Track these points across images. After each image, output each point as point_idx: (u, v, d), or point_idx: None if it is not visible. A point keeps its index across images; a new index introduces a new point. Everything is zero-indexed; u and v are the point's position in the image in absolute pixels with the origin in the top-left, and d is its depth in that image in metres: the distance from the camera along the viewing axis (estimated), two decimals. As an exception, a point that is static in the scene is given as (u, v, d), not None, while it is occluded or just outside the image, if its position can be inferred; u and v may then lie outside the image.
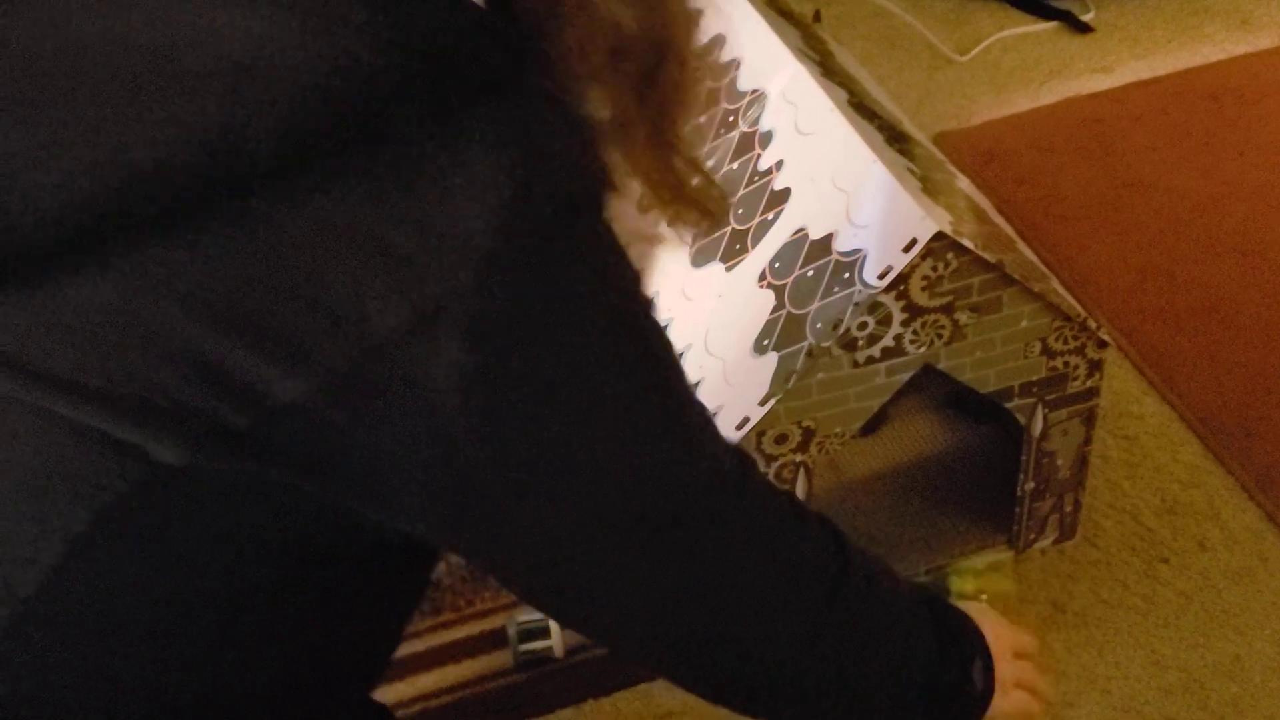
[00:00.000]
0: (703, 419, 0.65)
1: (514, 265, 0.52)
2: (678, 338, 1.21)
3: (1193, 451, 1.43)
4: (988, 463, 1.36)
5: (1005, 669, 0.83)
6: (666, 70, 0.60)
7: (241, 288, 0.50)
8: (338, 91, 0.50)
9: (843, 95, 1.26)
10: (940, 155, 1.38)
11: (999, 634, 0.84)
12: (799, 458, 1.16)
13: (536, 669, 1.28)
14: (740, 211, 1.23)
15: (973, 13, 2.15)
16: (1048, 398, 1.22)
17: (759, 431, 1.13)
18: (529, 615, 1.29)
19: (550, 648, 1.27)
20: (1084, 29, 2.09)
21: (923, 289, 1.10)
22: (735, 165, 1.26)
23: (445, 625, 1.31)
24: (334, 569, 0.62)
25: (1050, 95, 1.96)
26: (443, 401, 0.52)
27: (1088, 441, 1.27)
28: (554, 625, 1.28)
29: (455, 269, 0.51)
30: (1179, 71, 1.97)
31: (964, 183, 1.33)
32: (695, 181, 0.66)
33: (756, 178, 1.23)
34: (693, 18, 0.61)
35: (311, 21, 0.50)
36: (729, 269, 1.21)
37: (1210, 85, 1.92)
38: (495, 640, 1.30)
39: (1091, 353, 1.20)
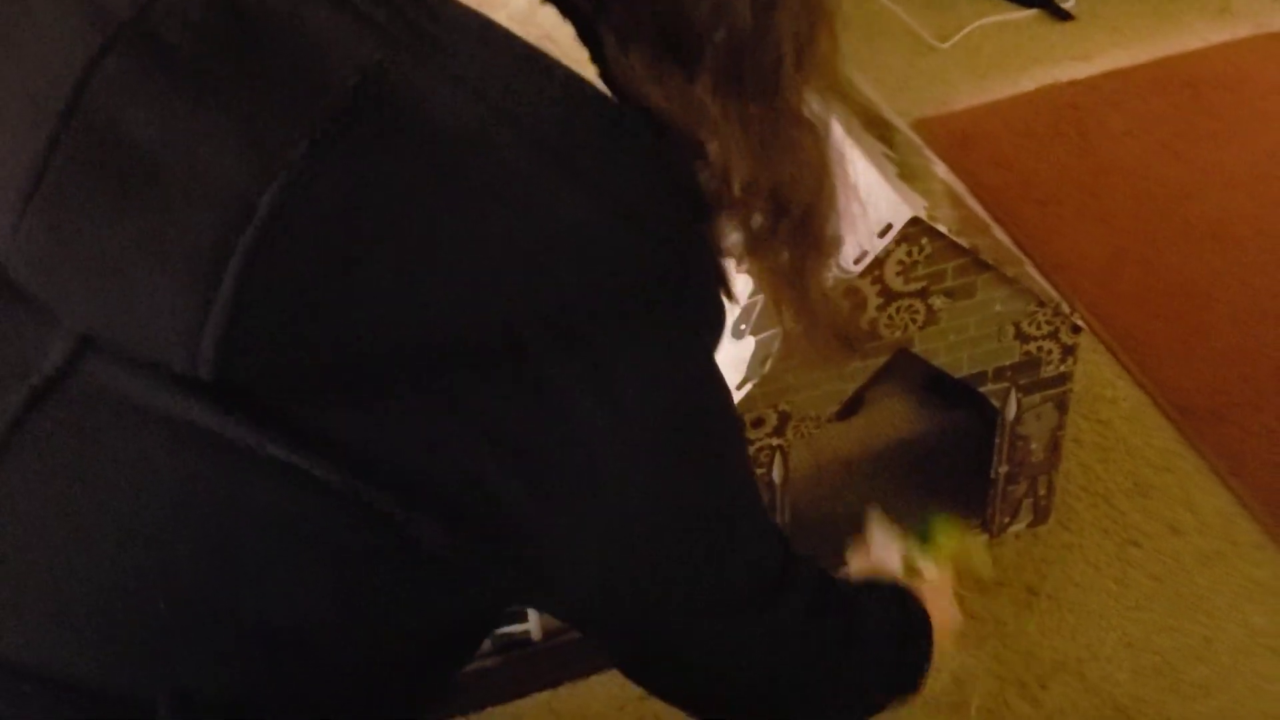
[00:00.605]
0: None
1: (692, 408, 0.66)
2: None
3: (1165, 436, 1.44)
4: (962, 446, 1.37)
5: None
6: (814, 221, 0.72)
7: (509, 421, 0.59)
8: (621, 270, 0.59)
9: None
10: (919, 141, 1.39)
11: (941, 620, 0.96)
12: (775, 441, 1.17)
13: (513, 652, 1.29)
14: (718, 196, 1.23)
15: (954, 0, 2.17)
16: (1021, 382, 1.23)
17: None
18: (507, 597, 1.30)
19: (527, 631, 1.28)
20: (1065, 16, 2.10)
21: (898, 274, 1.11)
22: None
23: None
24: (443, 643, 0.71)
25: (1030, 82, 1.97)
26: (627, 509, 0.64)
27: (1061, 426, 1.28)
28: (531, 608, 1.29)
29: (662, 418, 0.63)
30: (1158, 59, 1.98)
31: (941, 168, 1.34)
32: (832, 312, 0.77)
33: (734, 163, 1.24)
34: (833, 170, 0.74)
35: (615, 208, 0.58)
36: (706, 253, 1.22)
37: (1188, 73, 1.93)
38: (473, 622, 1.31)
39: (1065, 337, 1.21)
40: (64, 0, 0.55)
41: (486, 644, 1.29)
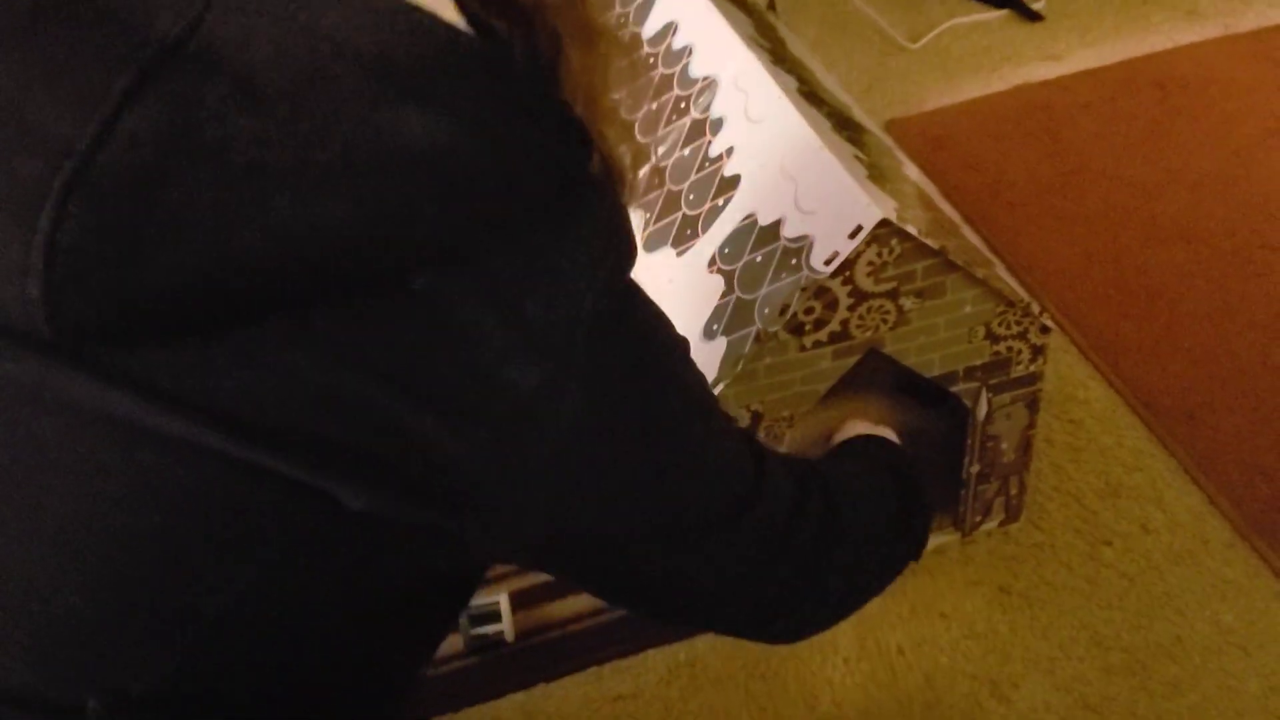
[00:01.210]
0: (730, 423, 0.82)
1: (611, 325, 0.64)
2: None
3: (1136, 435, 1.45)
4: (934, 446, 1.37)
5: None
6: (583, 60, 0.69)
7: (412, 357, 0.58)
8: (488, 188, 0.58)
9: (792, 83, 1.26)
10: (889, 142, 1.39)
11: None
12: (747, 442, 1.17)
13: (487, 653, 1.28)
14: (691, 197, 1.24)
15: (924, 0, 2.17)
16: (991, 382, 1.23)
17: (707, 416, 1.13)
18: (480, 600, 1.29)
19: (501, 632, 1.28)
20: (1034, 17, 2.11)
21: (868, 274, 1.11)
22: (686, 151, 1.27)
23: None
24: (419, 595, 0.70)
25: (1000, 83, 1.98)
26: (566, 441, 0.63)
27: (1032, 426, 1.28)
28: (505, 609, 1.28)
29: (573, 332, 0.61)
30: (1127, 60, 1.99)
31: (912, 169, 1.34)
32: (623, 149, 0.73)
33: (707, 164, 1.24)
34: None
35: (473, 129, 0.58)
36: (680, 254, 1.22)
37: (1157, 74, 1.94)
38: (446, 624, 1.30)
39: (1035, 338, 1.22)
40: None
41: (459, 645, 1.29)
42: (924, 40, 2.07)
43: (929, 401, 1.41)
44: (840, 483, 0.94)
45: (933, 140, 1.84)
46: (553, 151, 0.62)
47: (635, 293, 0.69)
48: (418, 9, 0.58)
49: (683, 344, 0.75)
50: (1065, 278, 1.62)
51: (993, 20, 2.12)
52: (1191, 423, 1.45)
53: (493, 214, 0.59)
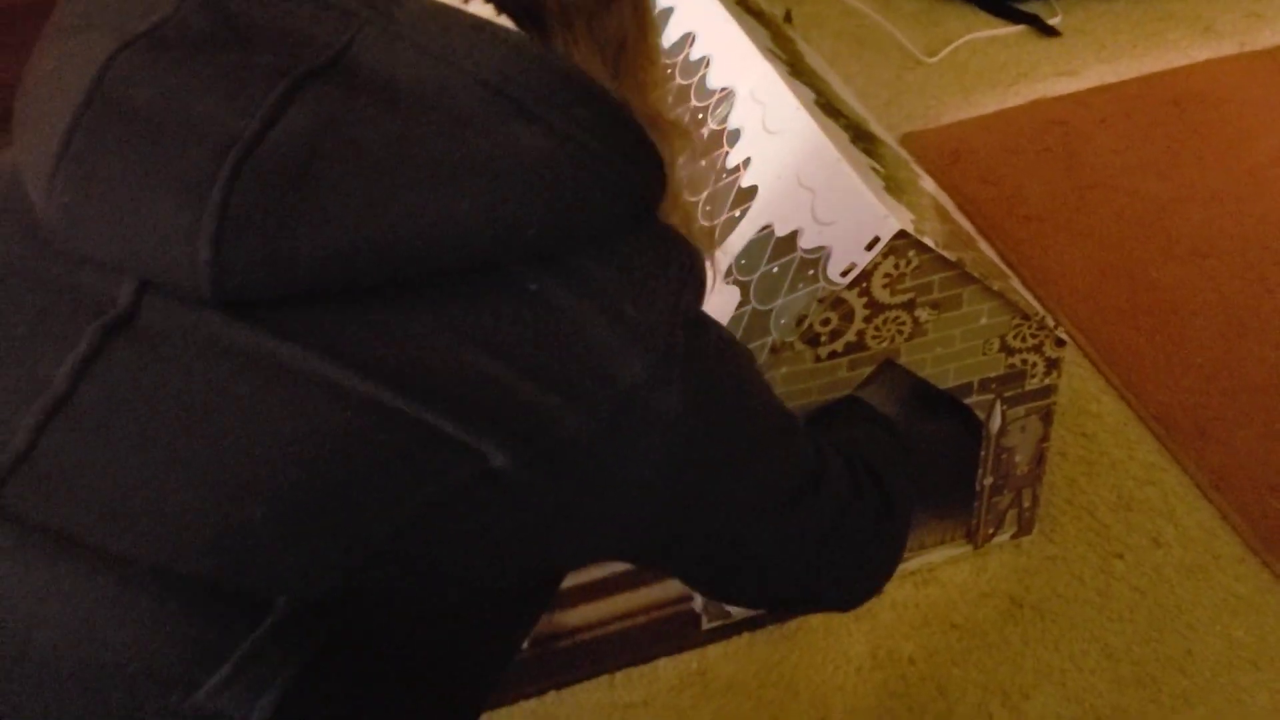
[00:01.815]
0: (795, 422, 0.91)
1: (700, 328, 0.75)
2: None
3: (1149, 450, 1.46)
4: (948, 457, 1.38)
5: None
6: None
7: (535, 347, 0.66)
8: (584, 197, 0.67)
9: (810, 95, 1.27)
10: (906, 155, 1.40)
11: None
12: (762, 451, 1.18)
13: (501, 658, 1.29)
14: (708, 208, 1.24)
15: (942, 15, 2.18)
16: (1006, 394, 1.24)
17: (723, 425, 1.14)
18: (494, 604, 1.30)
19: (515, 637, 1.28)
20: (1051, 32, 2.12)
21: (884, 286, 1.12)
22: (703, 162, 1.28)
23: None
24: (522, 586, 0.75)
25: (1017, 97, 1.98)
26: (671, 433, 0.71)
27: (1045, 438, 1.29)
28: (519, 614, 1.29)
29: (672, 332, 0.70)
30: (1143, 76, 1.99)
31: (928, 182, 1.35)
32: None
33: (724, 175, 1.25)
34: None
35: (575, 146, 0.67)
36: (695, 264, 1.23)
37: (1173, 90, 1.95)
38: (460, 629, 1.31)
39: (1049, 350, 1.22)
40: (95, 25, 0.66)
41: (473, 651, 1.29)
42: (941, 54, 2.08)
43: (943, 413, 1.42)
44: (870, 454, 1.05)
45: (949, 154, 1.85)
46: (640, 171, 0.71)
47: (702, 311, 0.78)
48: (533, 42, 0.69)
49: (748, 351, 0.91)
50: (1079, 292, 1.63)
51: (1009, 35, 2.12)
52: (1204, 438, 1.45)
53: (590, 221, 0.68)
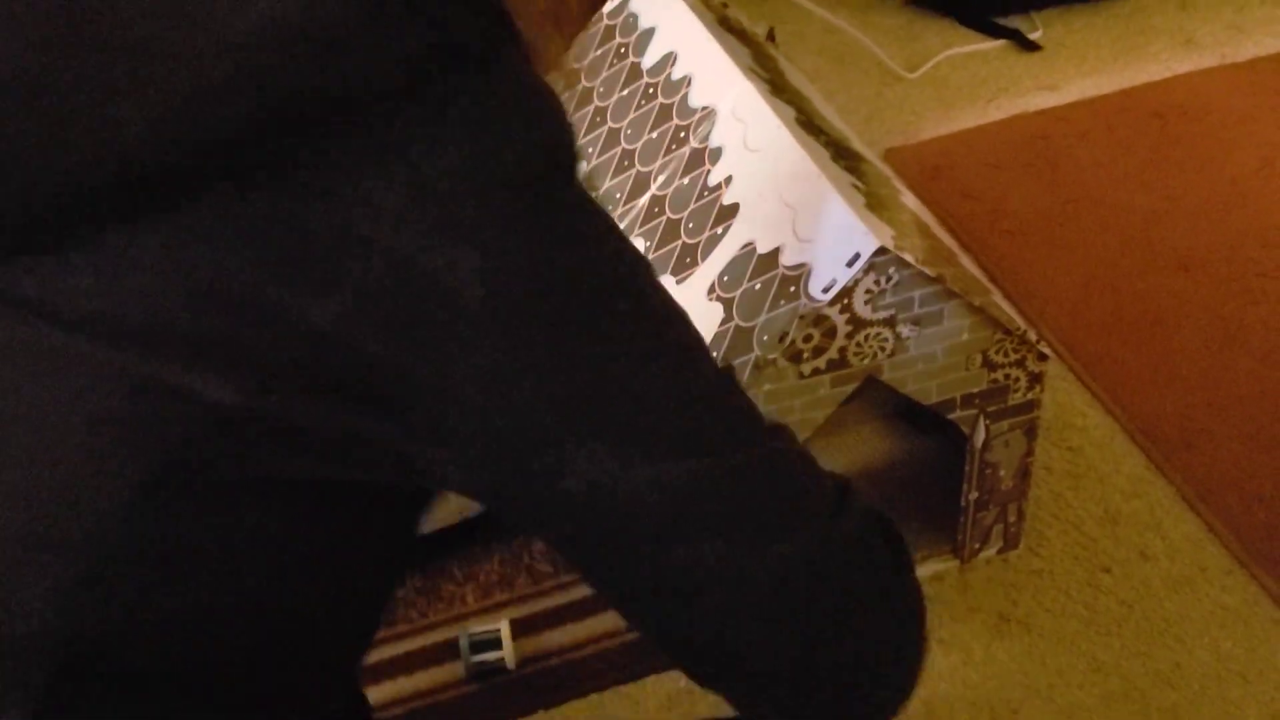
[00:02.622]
0: (693, 332, 0.70)
1: (531, 199, 0.60)
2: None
3: (1135, 463, 1.46)
4: (933, 473, 1.38)
5: None
6: None
7: (279, 228, 0.56)
8: (358, 53, 0.57)
9: (791, 113, 1.27)
10: (887, 171, 1.40)
11: None
12: (746, 469, 1.17)
13: (488, 680, 1.29)
14: (690, 225, 1.25)
15: (922, 30, 2.19)
16: (989, 409, 1.24)
17: (706, 443, 1.14)
18: (481, 627, 1.30)
19: (502, 659, 1.28)
20: (1032, 47, 2.12)
21: (865, 302, 1.12)
22: (686, 180, 1.28)
23: (398, 637, 1.32)
24: (346, 514, 0.66)
25: (998, 112, 1.99)
26: (466, 304, 0.58)
27: (1030, 453, 1.29)
28: (505, 636, 1.29)
29: (465, 186, 0.58)
30: (1124, 89, 2.00)
31: (909, 198, 1.35)
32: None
33: (706, 193, 1.25)
34: None
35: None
36: (679, 282, 1.23)
37: (1155, 103, 1.96)
38: (447, 652, 1.31)
39: (1032, 365, 1.22)
40: None
41: (460, 673, 1.29)
42: (921, 70, 2.09)
43: (926, 430, 1.42)
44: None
45: (931, 169, 1.85)
46: (437, 19, 0.59)
47: (570, 184, 0.63)
48: None
49: (642, 261, 0.68)
50: (1063, 305, 1.63)
51: (990, 50, 2.13)
52: (1190, 450, 1.45)
53: (368, 79, 0.57)
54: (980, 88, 2.05)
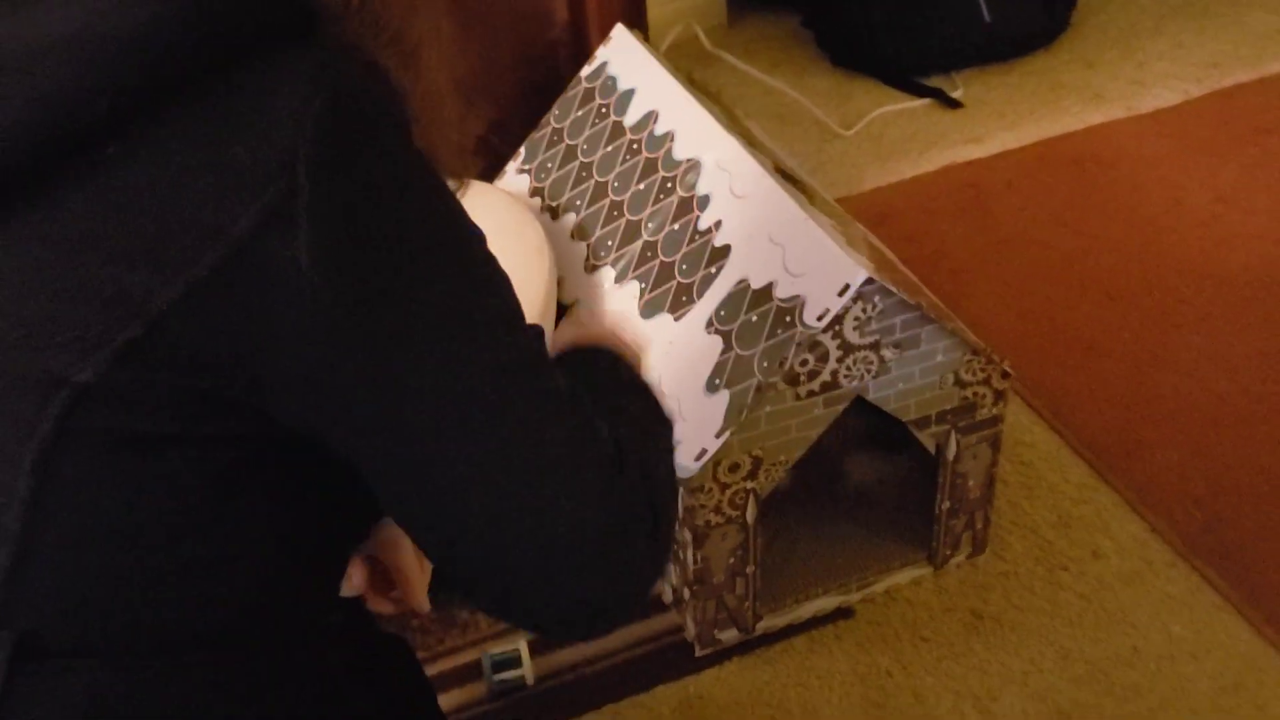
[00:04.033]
0: (524, 319, 0.76)
1: (338, 162, 0.65)
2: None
3: (1081, 472, 1.60)
4: (900, 488, 1.52)
5: None
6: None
7: (114, 220, 0.63)
8: (157, 47, 0.63)
9: (768, 163, 1.41)
10: (848, 216, 1.55)
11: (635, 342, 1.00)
12: (749, 485, 1.30)
13: (509, 697, 1.38)
14: (684, 267, 1.37)
15: (852, 91, 2.35)
16: (960, 424, 1.38)
17: (715, 461, 1.26)
18: (501, 647, 1.40)
19: (522, 676, 1.38)
20: (954, 104, 2.29)
21: (854, 328, 1.25)
22: (676, 226, 1.41)
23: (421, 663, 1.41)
24: (257, 474, 0.71)
25: (930, 164, 2.15)
26: (305, 278, 0.64)
27: (995, 463, 1.43)
28: (524, 655, 1.39)
29: (293, 169, 0.64)
30: (1042, 140, 2.17)
31: (873, 238, 1.49)
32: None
33: (697, 236, 1.38)
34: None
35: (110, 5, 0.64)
36: (677, 319, 1.35)
37: (1071, 152, 2.13)
38: (469, 673, 1.40)
39: (996, 383, 1.36)
40: None
41: (483, 691, 1.38)
42: (857, 127, 2.24)
43: (893, 451, 1.56)
44: (632, 437, 0.82)
45: (875, 217, 2.00)
46: (215, 10, 0.65)
47: (382, 135, 0.69)
48: None
49: (471, 230, 0.74)
50: (1006, 335, 1.78)
51: (917, 108, 2.30)
52: (1129, 459, 1.60)
53: (162, 70, 0.64)
54: (911, 142, 2.21)
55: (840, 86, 2.36)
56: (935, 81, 2.35)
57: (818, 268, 1.26)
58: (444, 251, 0.71)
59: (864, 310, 1.24)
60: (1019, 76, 2.35)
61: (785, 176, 1.43)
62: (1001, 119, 2.25)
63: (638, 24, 1.75)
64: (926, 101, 2.31)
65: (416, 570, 0.98)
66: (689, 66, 1.85)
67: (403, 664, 0.91)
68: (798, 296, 1.25)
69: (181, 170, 0.63)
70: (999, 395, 1.38)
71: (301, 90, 0.65)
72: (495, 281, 0.74)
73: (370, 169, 0.67)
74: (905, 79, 2.35)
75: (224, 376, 0.66)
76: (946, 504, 1.44)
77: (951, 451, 1.39)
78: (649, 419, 0.90)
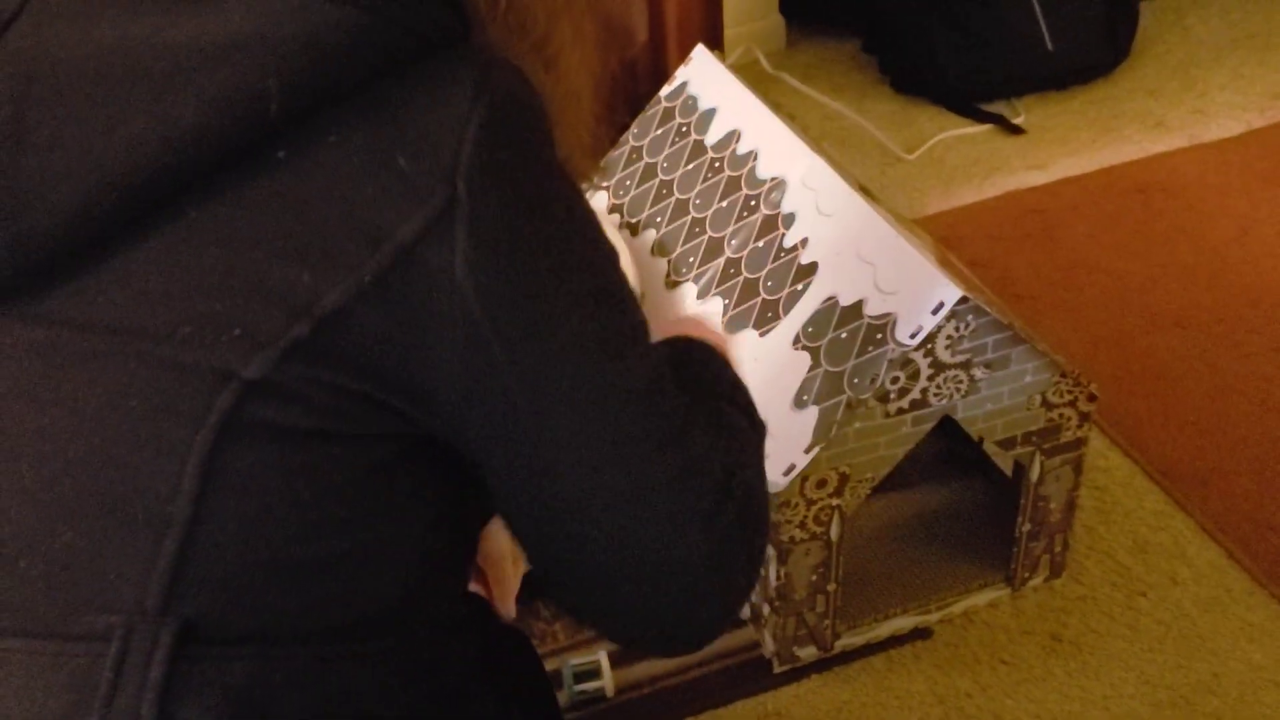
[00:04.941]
0: (641, 319, 0.77)
1: (496, 174, 0.67)
2: (718, 397, 1.34)
3: (1156, 499, 1.60)
4: (977, 511, 1.51)
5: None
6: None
7: (282, 221, 0.64)
8: (328, 52, 0.65)
9: (853, 182, 1.42)
10: (924, 234, 1.55)
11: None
12: (835, 501, 1.30)
13: (589, 708, 1.38)
14: (769, 284, 1.37)
15: (914, 116, 2.35)
16: (1044, 446, 1.37)
17: (803, 477, 1.26)
18: (582, 658, 1.40)
19: (601, 688, 1.38)
20: (1016, 130, 2.30)
21: (946, 347, 1.25)
22: (760, 244, 1.41)
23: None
24: (406, 469, 0.72)
25: (993, 189, 2.15)
26: (459, 290, 0.66)
27: (1076, 487, 1.43)
28: (604, 667, 1.39)
29: (453, 181, 0.65)
30: (1105, 168, 2.18)
31: (951, 257, 1.49)
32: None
33: (782, 254, 1.38)
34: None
35: (279, 13, 0.65)
36: (762, 335, 1.35)
37: (1135, 180, 2.13)
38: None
39: (1082, 405, 1.36)
40: None
41: (563, 701, 1.38)
42: (919, 152, 2.25)
43: (968, 473, 1.56)
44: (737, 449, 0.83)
45: (940, 240, 2.00)
46: (395, 6, 0.67)
47: (536, 148, 0.71)
48: None
49: (608, 244, 0.75)
50: (1077, 361, 1.78)
51: (978, 133, 2.30)
52: (1204, 487, 1.60)
53: (333, 74, 0.65)
54: (974, 167, 2.21)
55: (902, 111, 2.37)
56: (997, 108, 2.35)
57: (910, 285, 1.26)
58: (590, 269, 0.73)
59: (956, 329, 1.24)
60: (1080, 104, 2.35)
61: (869, 195, 1.43)
62: (1064, 146, 2.25)
63: (717, 45, 1.76)
64: (988, 127, 2.31)
65: (510, 574, 0.99)
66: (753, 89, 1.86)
67: (526, 657, 0.91)
68: (889, 314, 1.26)
69: (348, 176, 0.65)
70: (1084, 418, 1.37)
71: (462, 101, 0.67)
72: (629, 299, 0.75)
73: (525, 182, 0.69)
74: (967, 104, 2.36)
75: (382, 378, 0.67)
76: (1027, 526, 1.43)
77: (1035, 473, 1.39)
78: (750, 428, 0.89)
